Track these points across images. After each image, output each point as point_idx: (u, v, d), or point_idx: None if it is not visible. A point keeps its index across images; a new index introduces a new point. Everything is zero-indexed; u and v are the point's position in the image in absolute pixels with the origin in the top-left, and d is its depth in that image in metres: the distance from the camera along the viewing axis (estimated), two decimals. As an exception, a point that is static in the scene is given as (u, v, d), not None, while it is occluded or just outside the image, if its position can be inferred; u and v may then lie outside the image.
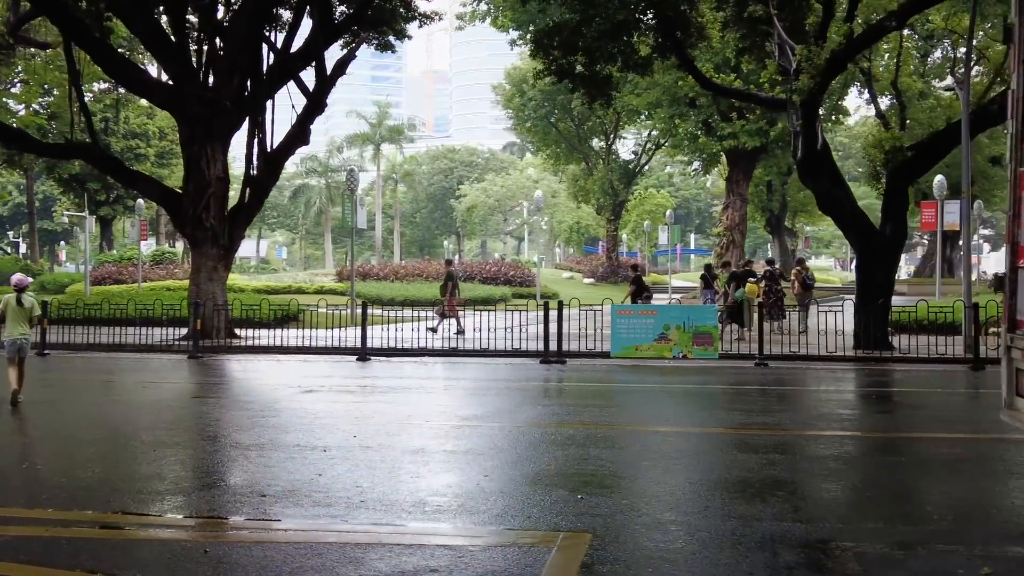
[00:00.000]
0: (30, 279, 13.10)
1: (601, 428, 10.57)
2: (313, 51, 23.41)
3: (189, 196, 21.80)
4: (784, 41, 21.37)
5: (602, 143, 57.16)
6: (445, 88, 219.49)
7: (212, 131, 21.72)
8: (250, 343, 21.38)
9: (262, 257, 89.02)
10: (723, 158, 43.23)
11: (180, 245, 66.29)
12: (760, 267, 29.48)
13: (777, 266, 28.12)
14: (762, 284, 24.04)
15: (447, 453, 9.03)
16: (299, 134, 23.36)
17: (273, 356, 19.66)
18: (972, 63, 48.70)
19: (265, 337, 21.67)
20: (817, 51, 18.31)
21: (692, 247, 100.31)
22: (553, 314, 18.01)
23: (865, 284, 19.39)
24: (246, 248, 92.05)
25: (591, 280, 54.26)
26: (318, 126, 24.07)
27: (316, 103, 23.49)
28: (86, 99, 23.79)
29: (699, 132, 40.49)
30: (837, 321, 18.49)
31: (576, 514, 6.68)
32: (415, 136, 77.72)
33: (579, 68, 21.96)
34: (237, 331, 22.50)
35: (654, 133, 54.79)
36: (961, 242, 18.97)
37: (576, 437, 9.83)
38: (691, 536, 6.17)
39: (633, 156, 56.05)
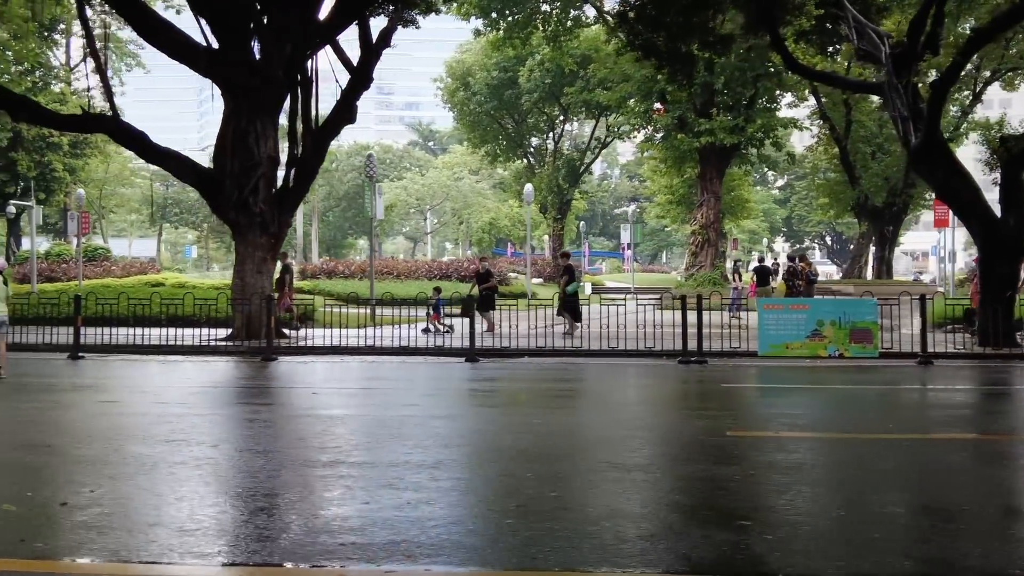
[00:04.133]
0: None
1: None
2: (351, 16, 21.01)
3: (234, 177, 19.07)
4: (863, 24, 20.42)
5: (541, 141, 55.80)
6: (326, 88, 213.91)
7: (262, 104, 19.10)
8: (308, 343, 18.85)
9: (152, 257, 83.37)
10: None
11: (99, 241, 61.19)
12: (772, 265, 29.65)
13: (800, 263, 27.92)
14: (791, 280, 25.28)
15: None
16: (345, 111, 20.95)
17: (363, 357, 17.25)
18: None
19: (321, 337, 19.19)
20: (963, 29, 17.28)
21: (602, 250, 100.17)
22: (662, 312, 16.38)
23: (987, 277, 18.47)
24: (138, 247, 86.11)
25: (539, 280, 52.66)
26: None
27: (362, 77, 21.15)
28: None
29: (672, 129, 39.53)
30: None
31: None
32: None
33: (661, 44, 20.42)
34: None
35: (601, 131, 53.86)
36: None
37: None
38: None
39: (578, 154, 54.70)
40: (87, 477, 7.05)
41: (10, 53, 40.14)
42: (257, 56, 19.46)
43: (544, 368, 15.62)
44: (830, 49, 22.87)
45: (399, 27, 22.28)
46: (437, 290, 23.04)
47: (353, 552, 5.19)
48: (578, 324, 20.06)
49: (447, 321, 21.67)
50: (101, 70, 19.34)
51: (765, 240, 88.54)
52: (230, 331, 19.51)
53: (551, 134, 54.89)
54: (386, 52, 22.04)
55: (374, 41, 21.23)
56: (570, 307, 20.85)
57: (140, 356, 17.63)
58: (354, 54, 21.82)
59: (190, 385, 13.65)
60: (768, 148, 41.45)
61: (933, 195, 51.74)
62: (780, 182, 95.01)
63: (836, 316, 16.08)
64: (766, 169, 78.94)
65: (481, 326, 21.06)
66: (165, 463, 7.54)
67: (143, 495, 6.51)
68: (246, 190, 19.03)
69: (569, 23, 40.80)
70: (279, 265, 23.37)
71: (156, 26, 19.23)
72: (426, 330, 20.95)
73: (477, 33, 42.77)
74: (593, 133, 54.57)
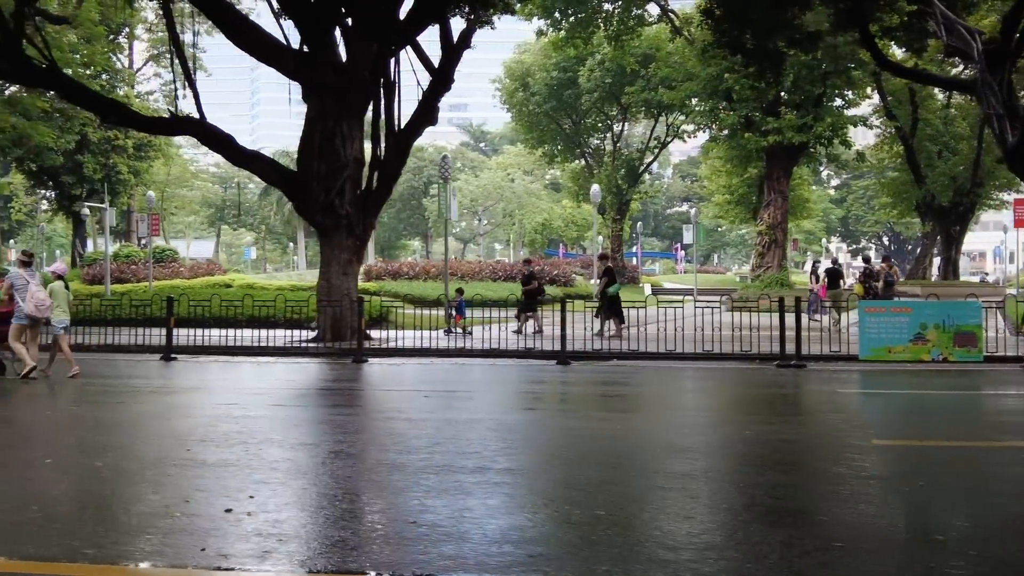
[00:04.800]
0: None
1: None
2: (430, 17, 20.92)
3: (320, 179, 19.08)
4: (952, 20, 19.94)
5: (599, 141, 55.50)
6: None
7: (348, 106, 19.10)
8: (392, 345, 18.79)
9: (208, 258, 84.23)
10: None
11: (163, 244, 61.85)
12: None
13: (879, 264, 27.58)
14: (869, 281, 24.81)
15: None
16: (426, 113, 20.89)
17: (451, 359, 17.16)
18: None
19: (405, 338, 19.13)
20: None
21: (653, 251, 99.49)
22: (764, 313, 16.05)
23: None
24: (194, 249, 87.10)
25: (595, 281, 52.41)
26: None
27: (443, 79, 21.06)
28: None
29: (738, 128, 38.97)
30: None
31: None
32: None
33: (748, 42, 20.13)
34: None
35: (660, 129, 53.44)
36: None
37: None
38: None
39: (637, 154, 54.26)
40: (239, 483, 6.98)
41: (78, 56, 40.73)
42: (343, 57, 19.45)
43: (640, 371, 15.41)
44: (915, 46, 22.31)
45: (476, 28, 22.19)
46: (460, 291, 23.30)
47: (546, 565, 5.05)
48: (623, 324, 20.27)
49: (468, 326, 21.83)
50: (187, 72, 19.38)
51: (823, 240, 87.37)
52: (315, 332, 19.52)
53: (609, 134, 54.59)
54: (435, 55, 21.87)
55: (454, 41, 21.15)
56: (614, 309, 20.89)
57: (230, 357, 17.69)
58: (433, 54, 21.80)
59: (295, 387, 13.66)
60: (837, 147, 40.67)
61: (1004, 195, 50.91)
62: (835, 182, 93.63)
63: (940, 319, 15.66)
64: (822, 169, 78.17)
65: (526, 328, 21.09)
66: (312, 467, 7.47)
67: (306, 501, 6.43)
68: (332, 192, 19.03)
69: (631, 22, 40.58)
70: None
71: (241, 27, 19.28)
72: (448, 331, 21.02)
73: (540, 33, 42.66)
74: (652, 132, 54.14)
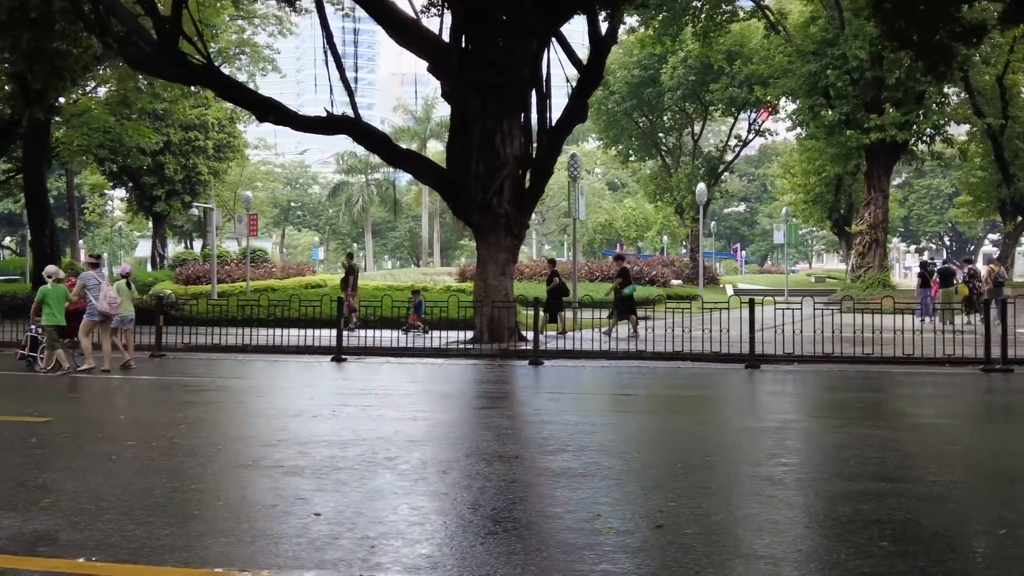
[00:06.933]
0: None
1: None
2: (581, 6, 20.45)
3: (478, 179, 18.67)
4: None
5: (674, 140, 54.83)
6: (412, 91, 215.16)
7: (508, 104, 18.68)
8: (555, 347, 18.28)
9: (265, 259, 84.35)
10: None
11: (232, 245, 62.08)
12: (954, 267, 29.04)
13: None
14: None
15: None
16: (576, 109, 20.47)
17: (631, 362, 16.66)
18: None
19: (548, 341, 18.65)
20: None
21: (709, 251, 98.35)
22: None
23: None
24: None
25: (679, 281, 51.76)
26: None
27: (593, 75, 20.66)
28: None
29: (836, 125, 38.12)
30: None
31: None
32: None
33: (915, 36, 19.46)
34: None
35: (741, 127, 52.73)
36: None
37: None
38: None
39: (717, 152, 53.49)
40: (606, 495, 6.54)
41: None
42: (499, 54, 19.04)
43: (842, 377, 14.82)
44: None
45: (620, 23, 21.74)
46: (415, 292, 24.16)
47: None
48: (637, 322, 20.57)
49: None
50: (343, 74, 19.01)
51: (893, 240, 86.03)
52: (471, 334, 19.14)
53: (689, 132, 53.90)
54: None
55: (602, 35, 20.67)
56: (627, 309, 20.98)
57: (399, 359, 17.33)
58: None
59: (518, 390, 13.26)
60: (938, 144, 39.80)
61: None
62: (897, 180, 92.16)
63: None
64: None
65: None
66: (661, 479, 6.98)
67: (730, 519, 5.96)
68: (491, 191, 18.62)
69: (720, 18, 39.97)
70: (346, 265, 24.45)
71: (404, 26, 18.96)
72: (406, 329, 20.85)
73: (631, 31, 42.19)
74: (732, 130, 53.43)
